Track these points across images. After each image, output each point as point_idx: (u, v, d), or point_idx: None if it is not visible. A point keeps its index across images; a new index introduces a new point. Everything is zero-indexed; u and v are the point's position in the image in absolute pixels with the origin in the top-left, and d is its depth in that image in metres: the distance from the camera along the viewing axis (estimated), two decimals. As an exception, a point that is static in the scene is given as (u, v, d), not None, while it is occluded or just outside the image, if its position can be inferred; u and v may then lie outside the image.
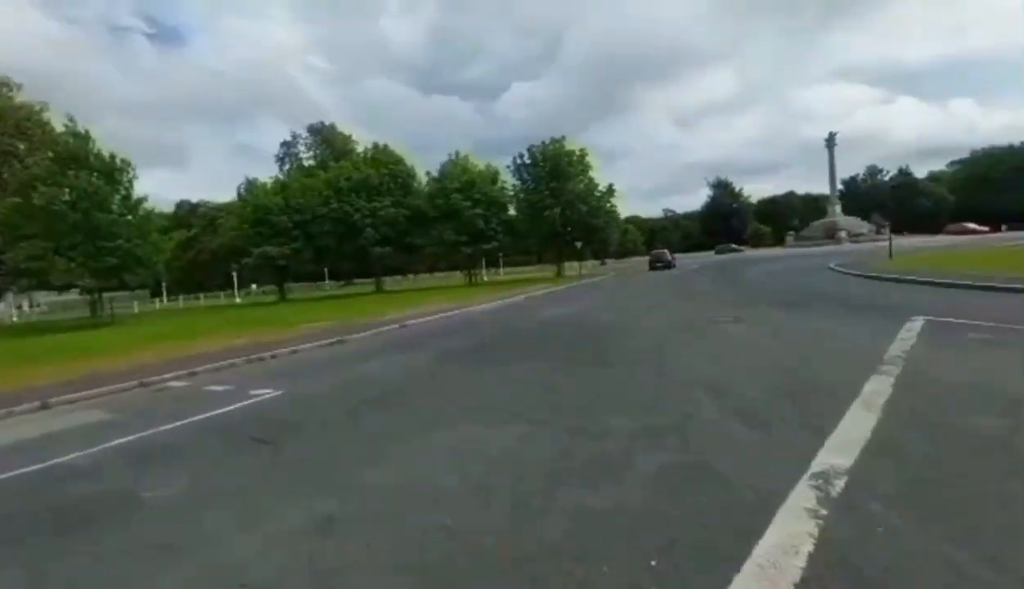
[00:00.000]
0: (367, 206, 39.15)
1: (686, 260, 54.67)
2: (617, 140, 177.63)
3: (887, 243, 28.59)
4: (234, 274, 52.97)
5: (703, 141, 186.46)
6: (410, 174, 43.14)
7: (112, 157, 27.74)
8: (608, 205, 43.08)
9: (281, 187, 42.84)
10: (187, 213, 79.29)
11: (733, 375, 6.16)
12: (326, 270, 60.34)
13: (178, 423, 5.98)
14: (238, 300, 50.59)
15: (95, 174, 26.35)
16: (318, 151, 74.82)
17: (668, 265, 40.17)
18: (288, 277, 45.98)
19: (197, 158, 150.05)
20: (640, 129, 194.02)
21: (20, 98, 39.17)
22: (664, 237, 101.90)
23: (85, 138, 27.50)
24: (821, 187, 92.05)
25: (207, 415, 6.27)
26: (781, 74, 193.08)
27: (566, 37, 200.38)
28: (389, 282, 51.18)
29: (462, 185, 39.71)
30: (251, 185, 43.66)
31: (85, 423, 6.61)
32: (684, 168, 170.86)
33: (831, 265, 24.23)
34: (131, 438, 5.54)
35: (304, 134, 77.61)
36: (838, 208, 75.49)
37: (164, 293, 63.71)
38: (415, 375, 7.95)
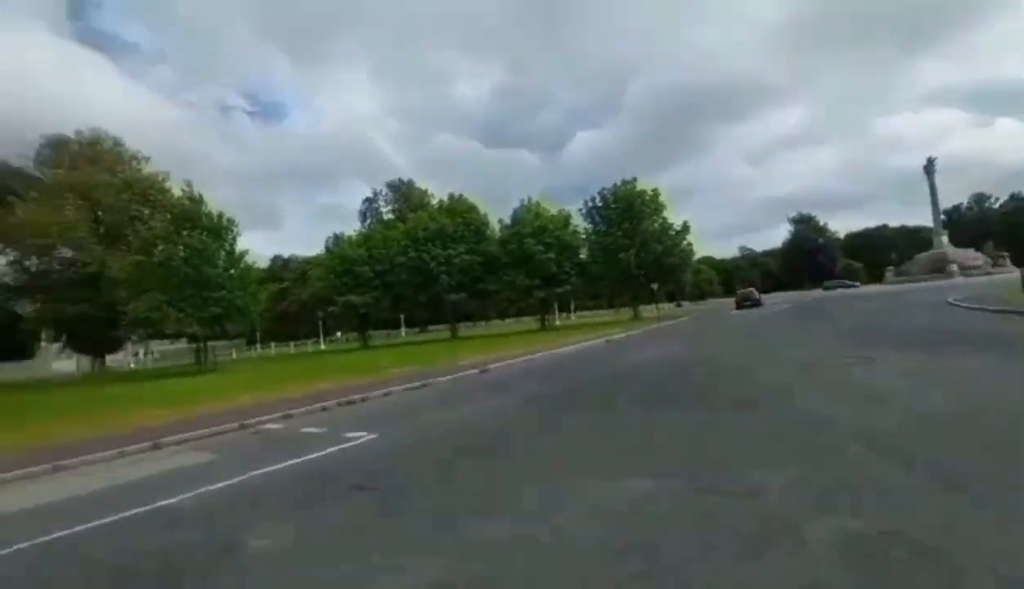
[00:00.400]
0: (442, 254, 40.38)
1: (771, 299, 51.36)
2: (685, 180, 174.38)
3: (1009, 275, 25.07)
4: (320, 322, 56.13)
5: (778, 176, 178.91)
6: (483, 222, 44.26)
7: (220, 216, 30.69)
8: (684, 244, 41.67)
9: (364, 239, 45.37)
10: (280, 267, 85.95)
11: (890, 424, 5.18)
12: (402, 317, 62.56)
13: (279, 466, 5.87)
14: (323, 347, 53.22)
15: (204, 232, 29.15)
16: (397, 205, 79.36)
17: (756, 303, 39.66)
18: (369, 324, 47.90)
19: (289, 218, 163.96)
20: (709, 168, 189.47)
21: (147, 170, 45.02)
22: (740, 276, 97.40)
23: (199, 201, 30.73)
24: (917, 218, 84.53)
25: (305, 458, 6.15)
26: (861, 104, 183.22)
27: (630, 83, 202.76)
28: (462, 328, 51.92)
29: (534, 230, 40.09)
30: (337, 239, 46.69)
31: (191, 464, 6.71)
32: (758, 205, 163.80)
33: (950, 300, 21.51)
34: (235, 481, 5.47)
35: (384, 190, 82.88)
36: (945, 239, 68.32)
37: (258, 341, 68.52)
38: (511, 421, 7.49)
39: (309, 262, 78.04)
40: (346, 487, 4.87)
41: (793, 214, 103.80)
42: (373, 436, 6.99)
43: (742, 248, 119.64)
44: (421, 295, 42.52)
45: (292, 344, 63.99)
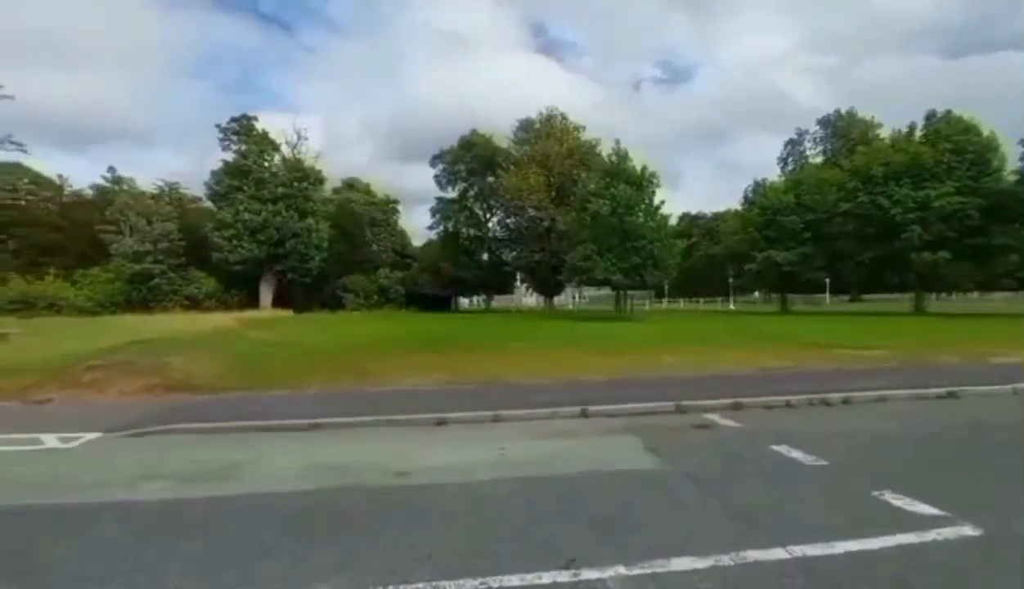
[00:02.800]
0: (914, 196, 29.29)
1: None
2: None
3: None
4: (730, 280, 52.36)
5: None
6: (989, 146, 29.71)
7: (643, 169, 30.93)
8: None
9: (792, 184, 38.17)
10: (688, 224, 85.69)
11: None
12: (827, 281, 51.35)
13: (792, 552, 3.06)
14: (732, 307, 49.49)
15: (629, 185, 29.90)
16: (829, 145, 65.27)
17: None
18: (792, 286, 40.91)
19: (688, 178, 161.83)
20: None
21: (584, 137, 50.92)
22: None
23: (624, 156, 31.80)
24: None
25: (852, 547, 3.06)
26: None
27: None
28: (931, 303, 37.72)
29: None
30: (758, 186, 40.96)
31: (629, 468, 4.82)
32: None
33: None
34: (712, 564, 3.01)
35: (815, 129, 69.12)
36: None
37: (666, 294, 70.73)
38: None
39: (718, 217, 74.51)
40: None
41: None
42: (965, 530, 3.28)
43: None
44: (869, 252, 32.60)
45: (701, 301, 62.71)
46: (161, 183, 58.45)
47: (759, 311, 40.31)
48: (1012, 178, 29.31)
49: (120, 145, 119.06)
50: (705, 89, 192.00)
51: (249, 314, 38.56)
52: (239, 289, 51.68)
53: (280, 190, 50.42)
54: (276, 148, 53.22)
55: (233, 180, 50.22)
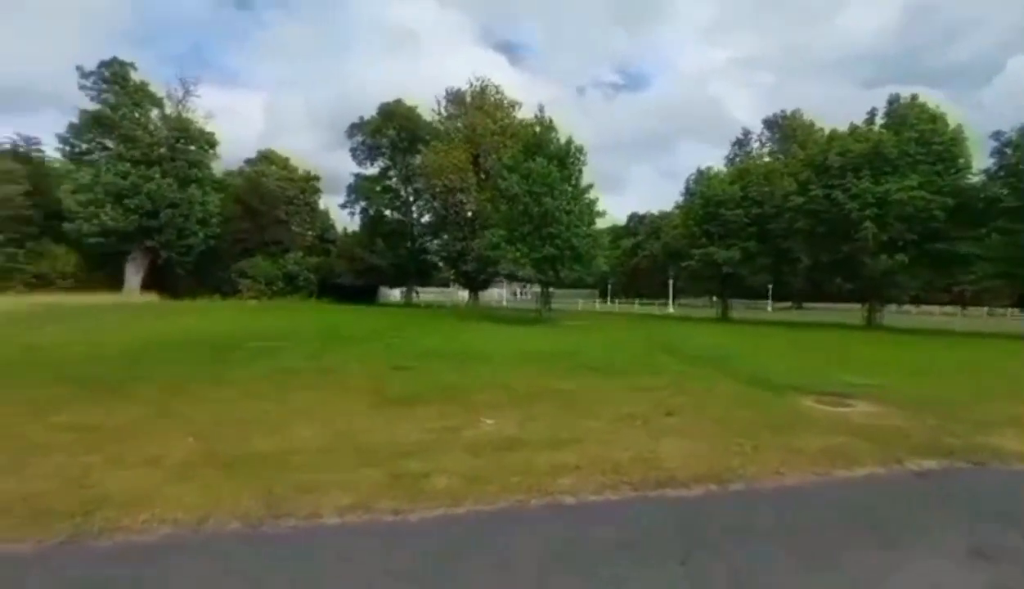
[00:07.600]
0: (874, 190, 25.32)
1: None
2: None
3: None
4: (670, 281, 48.26)
5: None
6: (954, 138, 26.18)
7: (568, 142, 25.62)
8: None
9: (738, 174, 33.94)
10: (636, 224, 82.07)
11: None
12: (770, 286, 48.15)
13: None
14: (671, 310, 45.30)
15: (551, 160, 24.55)
16: (776, 146, 62.80)
17: None
18: (734, 289, 36.85)
19: (631, 185, 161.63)
20: None
21: (519, 115, 45.27)
22: None
23: (549, 127, 26.39)
24: None
25: None
26: None
27: None
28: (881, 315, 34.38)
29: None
30: (701, 175, 36.46)
31: None
32: None
33: None
34: None
35: (760, 129, 66.46)
36: None
37: (608, 295, 66.35)
38: None
39: (665, 216, 70.84)
40: None
41: None
42: None
43: None
44: (822, 252, 28.67)
45: (636, 302, 58.60)
46: (15, 137, 48.27)
47: (696, 317, 35.92)
48: (976, 178, 25.91)
49: (50, 114, 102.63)
50: (652, 97, 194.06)
51: (87, 298, 30.70)
52: (105, 268, 42.99)
53: (157, 151, 42.09)
54: (156, 103, 44.63)
55: (96, 136, 41.55)
